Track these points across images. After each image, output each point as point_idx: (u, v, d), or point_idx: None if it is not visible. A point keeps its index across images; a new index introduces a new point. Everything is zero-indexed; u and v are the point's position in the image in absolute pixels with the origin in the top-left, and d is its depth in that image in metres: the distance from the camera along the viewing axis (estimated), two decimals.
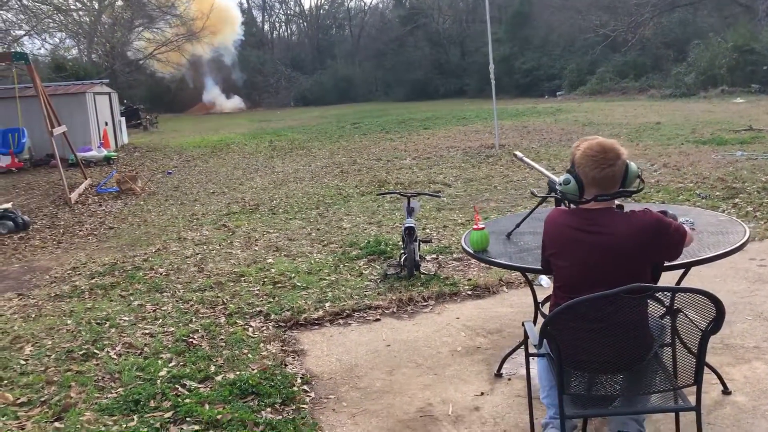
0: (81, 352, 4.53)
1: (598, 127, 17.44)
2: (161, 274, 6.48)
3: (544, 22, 40.41)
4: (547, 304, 3.37)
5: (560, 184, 2.81)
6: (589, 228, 2.67)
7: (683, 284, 3.34)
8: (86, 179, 13.46)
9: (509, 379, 3.84)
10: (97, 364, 4.34)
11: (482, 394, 3.70)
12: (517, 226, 3.73)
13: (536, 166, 4.14)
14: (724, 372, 3.57)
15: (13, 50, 18.58)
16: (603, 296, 2.41)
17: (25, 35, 23.00)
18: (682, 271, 3.33)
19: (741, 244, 3.20)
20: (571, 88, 34.62)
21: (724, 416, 3.24)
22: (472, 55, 42.92)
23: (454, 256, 6.38)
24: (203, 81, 49.64)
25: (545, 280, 5.21)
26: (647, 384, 2.66)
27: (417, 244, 5.82)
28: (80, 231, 9.16)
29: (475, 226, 3.58)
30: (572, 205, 2.85)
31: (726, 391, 3.44)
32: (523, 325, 3.02)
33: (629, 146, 13.21)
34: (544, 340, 2.60)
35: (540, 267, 3.07)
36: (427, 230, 7.50)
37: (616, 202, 2.78)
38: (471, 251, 3.55)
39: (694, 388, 2.54)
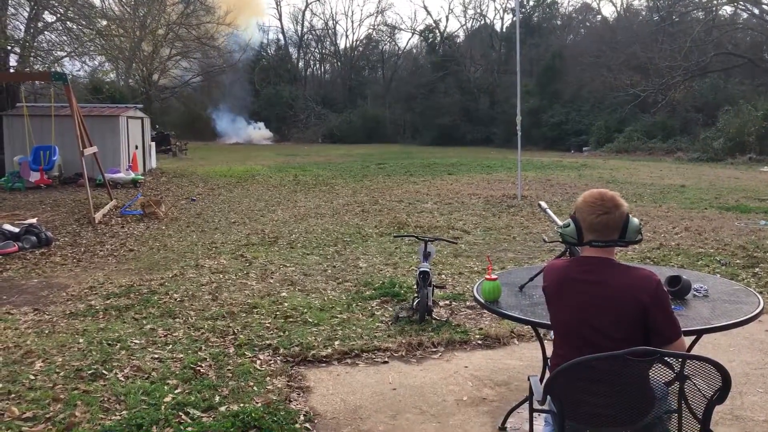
0: (90, 372, 4.57)
1: (622, 185, 17.41)
2: (176, 299, 6.54)
3: (574, 77, 40.75)
4: None
5: (560, 227, 2.91)
6: (587, 277, 2.70)
7: (693, 351, 3.31)
8: (112, 200, 13.69)
9: None
10: (104, 385, 4.37)
11: None
12: (531, 279, 3.73)
13: (556, 219, 4.15)
14: None
15: (52, 70, 19.07)
16: (607, 357, 2.41)
17: (65, 56, 23.60)
18: (693, 338, 3.31)
19: (754, 314, 3.18)
20: (597, 145, 34.70)
21: None
22: (502, 105, 43.31)
23: (468, 303, 6.36)
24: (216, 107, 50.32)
25: None
26: None
27: (431, 289, 5.82)
28: (101, 251, 9.29)
29: (487, 276, 3.59)
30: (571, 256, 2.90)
31: None
32: (528, 379, 3.01)
33: (653, 207, 13.18)
34: (548, 397, 2.60)
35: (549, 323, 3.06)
36: (443, 276, 7.50)
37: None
38: (482, 301, 3.56)
39: None
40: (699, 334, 3.18)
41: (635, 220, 2.77)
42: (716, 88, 33.81)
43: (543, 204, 4.33)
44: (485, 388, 4.47)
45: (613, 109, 36.75)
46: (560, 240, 2.95)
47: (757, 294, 3.57)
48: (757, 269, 7.72)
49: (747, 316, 3.15)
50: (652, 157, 29.61)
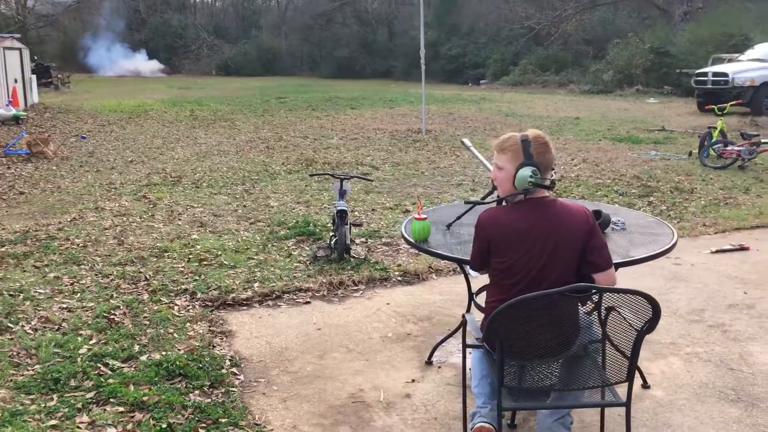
0: None
1: (521, 118, 17.83)
2: (78, 245, 6.20)
3: (471, 9, 40.83)
4: (482, 295, 3.42)
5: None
6: (535, 220, 2.73)
7: None
8: None
9: (439, 367, 3.90)
10: (12, 339, 4.12)
11: (413, 381, 3.73)
12: (458, 218, 3.76)
13: (481, 157, 4.16)
14: (643, 367, 3.73)
15: None
16: (549, 294, 2.48)
17: None
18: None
19: (671, 245, 3.34)
20: (494, 78, 35.19)
21: (643, 410, 3.39)
22: (400, 36, 42.89)
23: (383, 240, 6.40)
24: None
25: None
26: (580, 379, 2.75)
27: (348, 227, 5.79)
28: None
29: (416, 216, 3.58)
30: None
31: (645, 386, 3.60)
32: (463, 317, 3.06)
33: (551, 140, 13.57)
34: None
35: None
36: (356, 213, 7.48)
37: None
38: (412, 240, 3.56)
39: (622, 384, 2.65)
40: (616, 267, 3.30)
41: (524, 171, 2.75)
42: (605, 21, 34.86)
43: (467, 141, 4.29)
44: (409, 324, 4.54)
45: (508, 41, 37.22)
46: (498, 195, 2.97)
47: (670, 225, 3.75)
48: (651, 198, 8.17)
49: (665, 247, 3.31)
50: (546, 90, 30.39)
